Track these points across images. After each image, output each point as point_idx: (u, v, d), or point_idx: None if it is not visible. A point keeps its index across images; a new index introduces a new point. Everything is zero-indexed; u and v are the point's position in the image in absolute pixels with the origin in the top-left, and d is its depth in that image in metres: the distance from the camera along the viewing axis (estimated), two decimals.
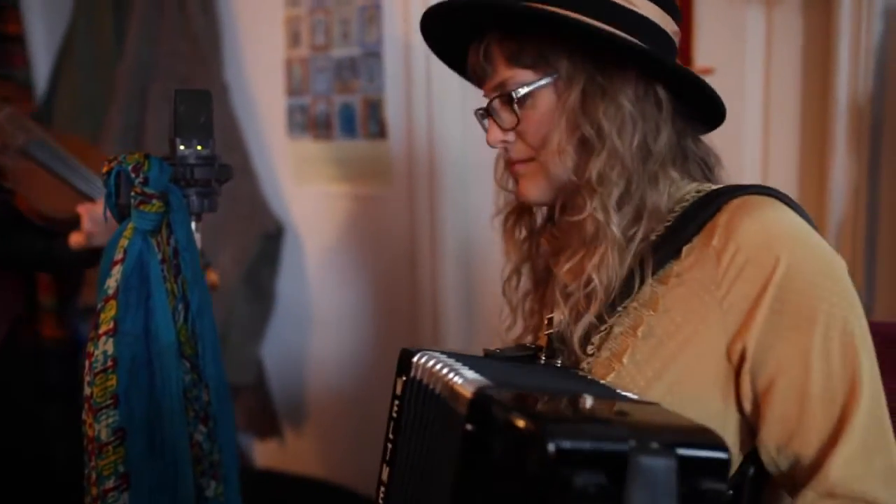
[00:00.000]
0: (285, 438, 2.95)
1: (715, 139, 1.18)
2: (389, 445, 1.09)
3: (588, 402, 0.81)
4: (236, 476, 1.29)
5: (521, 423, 0.76)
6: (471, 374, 0.93)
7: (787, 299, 0.98)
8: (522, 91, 1.07)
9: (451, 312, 2.61)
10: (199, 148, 1.31)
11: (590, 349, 1.07)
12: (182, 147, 1.29)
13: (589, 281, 1.05)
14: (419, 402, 1.02)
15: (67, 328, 2.94)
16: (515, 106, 1.08)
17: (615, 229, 1.04)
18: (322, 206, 2.81)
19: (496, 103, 1.10)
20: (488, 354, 1.13)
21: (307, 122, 2.81)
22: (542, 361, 1.11)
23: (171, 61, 2.79)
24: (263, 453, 3.01)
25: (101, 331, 1.19)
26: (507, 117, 1.10)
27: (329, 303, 2.85)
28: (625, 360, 1.03)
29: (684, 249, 1.03)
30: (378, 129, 2.65)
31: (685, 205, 1.07)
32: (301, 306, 2.89)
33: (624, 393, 0.92)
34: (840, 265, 1.02)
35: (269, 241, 2.81)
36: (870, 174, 1.93)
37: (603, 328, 1.06)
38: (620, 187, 1.05)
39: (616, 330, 1.05)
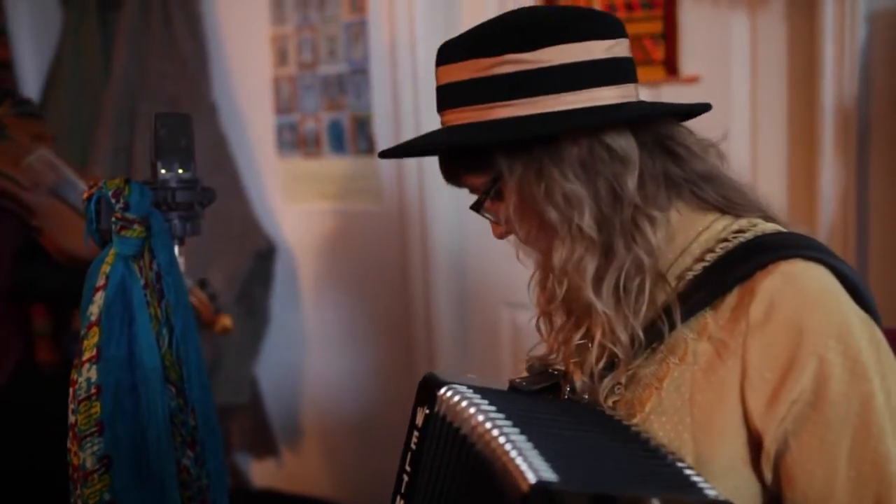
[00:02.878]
0: (282, 457, 2.94)
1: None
2: (406, 477, 1.04)
3: None
4: (226, 500, 1.28)
5: None
6: (521, 440, 0.89)
7: (820, 403, 0.95)
8: (483, 195, 1.07)
9: (445, 326, 2.60)
10: (180, 171, 1.30)
11: (615, 394, 1.04)
12: (163, 171, 1.29)
13: (603, 348, 1.02)
14: (446, 443, 0.98)
15: (62, 352, 2.93)
16: (487, 207, 1.09)
17: (604, 306, 1.00)
18: (313, 223, 2.81)
19: (475, 208, 1.11)
20: (514, 386, 1.09)
21: (296, 140, 2.81)
22: (568, 394, 1.08)
23: (159, 82, 2.79)
24: (260, 473, 3.00)
25: (84, 358, 1.18)
26: (489, 216, 1.11)
27: (322, 320, 2.84)
28: (647, 409, 1.01)
29: (720, 303, 0.99)
30: (367, 146, 2.65)
31: (722, 251, 1.01)
32: (294, 324, 2.88)
33: (696, 481, 0.88)
34: (883, 349, 0.98)
35: (261, 259, 2.80)
36: (858, 178, 1.93)
37: (629, 371, 1.02)
38: (594, 261, 1.01)
39: (641, 373, 1.02)
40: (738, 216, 1.05)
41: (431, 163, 2.51)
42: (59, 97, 2.97)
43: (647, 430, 0.99)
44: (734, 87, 2.13)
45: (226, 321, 2.37)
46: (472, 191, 1.10)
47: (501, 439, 0.89)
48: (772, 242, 1.00)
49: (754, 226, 1.03)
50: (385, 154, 1.12)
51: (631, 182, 1.00)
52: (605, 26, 1.02)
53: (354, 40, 2.63)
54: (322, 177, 2.75)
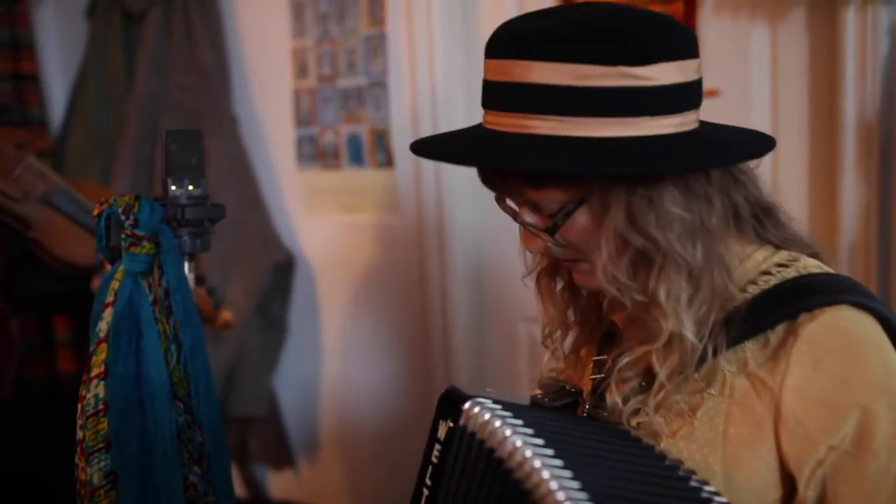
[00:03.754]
0: (300, 469, 2.94)
1: None
2: (426, 491, 1.02)
3: None
4: None
5: None
6: (549, 456, 0.88)
7: (861, 454, 0.93)
8: (554, 211, 0.97)
9: (462, 338, 2.59)
10: (191, 187, 1.30)
11: (639, 415, 1.01)
12: (174, 187, 1.29)
13: (653, 377, 0.98)
14: (470, 458, 0.97)
15: (83, 362, 2.96)
16: (549, 223, 0.99)
17: (690, 335, 0.95)
18: (332, 235, 2.81)
19: (525, 216, 1.01)
20: (535, 402, 1.06)
21: (316, 153, 2.82)
22: (587, 411, 1.06)
23: (181, 95, 2.82)
24: (278, 484, 3.00)
25: (92, 374, 1.18)
26: (560, 236, 1.00)
27: (340, 332, 2.84)
28: (679, 436, 0.98)
29: (762, 337, 0.97)
30: (385, 158, 2.65)
31: (767, 285, 0.99)
32: (313, 336, 2.89)
33: None
34: None
35: (279, 271, 2.81)
36: (881, 192, 1.90)
37: (661, 394, 0.98)
38: (688, 290, 0.95)
39: (672, 399, 0.98)
40: (777, 247, 1.03)
41: (449, 175, 2.52)
42: (83, 110, 3.01)
43: (679, 455, 0.97)
44: (754, 101, 2.10)
45: (226, 315, 2.37)
46: (528, 205, 1.00)
47: (528, 453, 0.88)
48: (819, 284, 0.98)
49: (796, 260, 1.01)
50: (427, 152, 1.02)
51: (718, 211, 0.97)
52: (695, 42, 0.97)
53: (373, 53, 2.64)
54: (341, 189, 2.76)
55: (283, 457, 2.91)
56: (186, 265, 1.31)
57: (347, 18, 2.68)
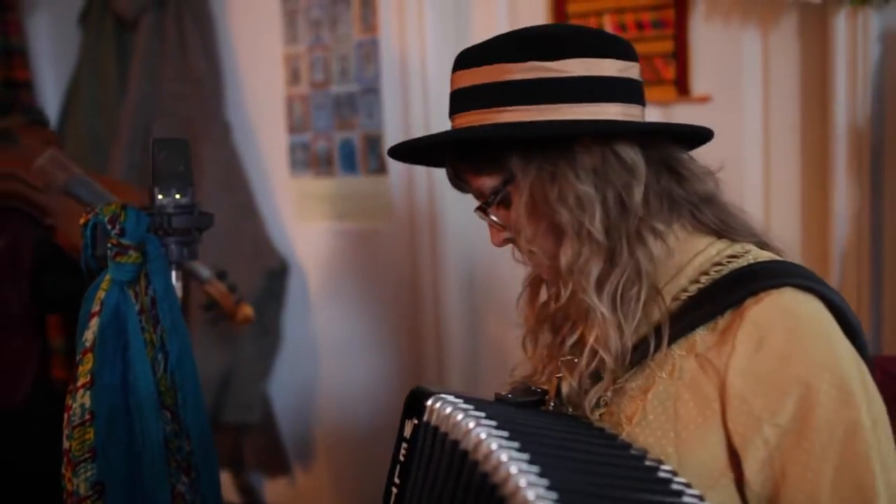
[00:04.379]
0: (295, 476, 2.94)
1: (713, 165, 1.14)
2: (394, 490, 1.06)
3: None
4: None
5: None
6: (512, 445, 0.90)
7: (805, 430, 0.95)
8: (491, 197, 1.09)
9: (455, 344, 2.59)
10: (178, 196, 1.31)
11: (600, 407, 1.06)
12: (160, 196, 1.30)
13: (594, 353, 1.04)
14: (436, 451, 1.00)
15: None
16: (492, 210, 1.10)
17: (603, 308, 1.02)
18: (325, 241, 2.81)
19: (482, 210, 1.12)
20: (499, 399, 1.11)
21: (309, 159, 2.82)
22: (552, 409, 1.10)
23: (174, 102, 2.82)
24: (273, 491, 3.00)
25: (78, 384, 1.18)
26: (495, 219, 1.12)
27: (335, 338, 2.84)
28: (633, 422, 1.02)
29: (710, 324, 1.01)
30: (378, 165, 2.65)
31: (718, 275, 1.03)
32: (307, 342, 2.88)
33: (689, 493, 0.90)
34: (867, 380, 0.99)
35: (273, 278, 2.81)
36: (872, 198, 1.89)
37: (616, 385, 1.04)
38: (598, 264, 1.03)
39: (628, 386, 1.04)
40: (733, 241, 1.08)
41: (442, 181, 2.52)
42: (76, 117, 3.01)
43: (635, 441, 1.00)
44: (746, 107, 2.10)
45: (247, 310, 2.37)
46: (478, 195, 1.12)
47: (493, 444, 0.90)
48: (764, 270, 1.03)
49: (748, 252, 1.06)
50: (397, 150, 1.14)
51: (637, 193, 1.04)
52: (622, 49, 1.08)
53: (366, 59, 2.64)
54: (334, 195, 2.76)
55: (277, 464, 2.90)
56: (174, 274, 1.31)
57: (339, 25, 2.69)
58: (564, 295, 1.05)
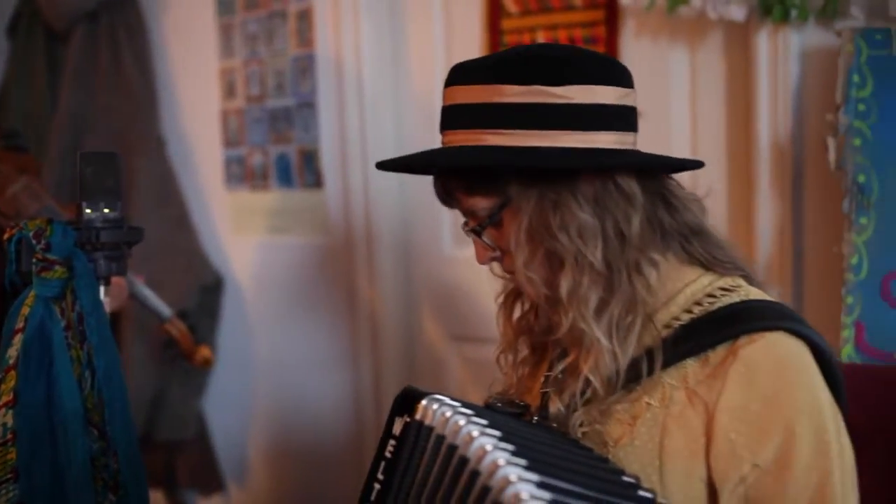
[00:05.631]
0: (230, 493, 2.90)
1: None
2: (377, 486, 1.06)
3: None
4: None
5: None
6: (506, 446, 0.91)
7: (782, 473, 0.99)
8: (486, 219, 1.09)
9: (392, 357, 2.59)
10: (106, 211, 1.29)
11: (585, 426, 1.07)
12: (88, 210, 1.28)
13: (587, 382, 1.04)
14: (426, 449, 1.00)
15: None
16: (485, 232, 1.10)
17: (601, 337, 1.03)
18: (261, 256, 2.79)
19: (470, 227, 1.13)
20: (489, 406, 1.12)
21: (244, 173, 2.80)
22: (535, 422, 1.11)
23: (106, 116, 2.78)
24: None
25: (0, 402, 1.16)
26: (487, 240, 1.12)
27: (271, 352, 2.82)
28: (619, 445, 1.04)
29: (703, 356, 1.03)
30: (314, 179, 2.65)
31: (711, 307, 1.06)
32: (243, 357, 2.86)
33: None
34: (842, 428, 1.03)
35: (208, 292, 2.78)
36: (794, 214, 1.95)
37: (603, 406, 1.05)
38: (598, 293, 1.04)
39: (615, 408, 1.05)
40: (721, 274, 1.10)
41: (378, 195, 2.53)
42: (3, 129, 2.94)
43: (618, 463, 1.02)
44: (674, 122, 2.15)
45: (206, 352, 2.35)
46: (468, 213, 1.12)
47: (487, 443, 0.91)
48: (759, 310, 1.05)
49: (739, 287, 1.09)
50: (390, 165, 1.13)
51: (635, 223, 1.05)
52: (622, 76, 1.08)
53: (302, 74, 2.64)
54: (270, 209, 2.75)
55: (212, 481, 2.86)
56: (102, 289, 1.29)
57: (276, 39, 2.68)
58: (566, 323, 1.04)
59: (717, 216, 2.06)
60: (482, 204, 1.08)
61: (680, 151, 2.14)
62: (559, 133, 1.03)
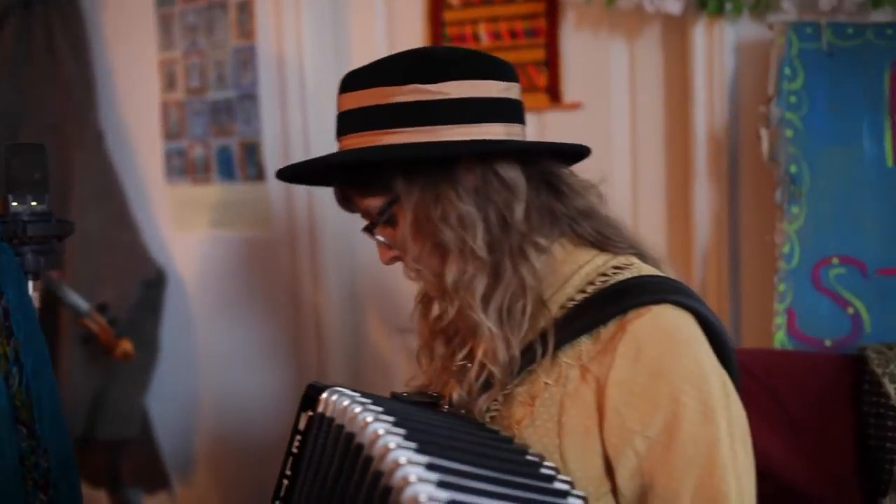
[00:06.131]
0: (175, 491, 2.87)
1: (585, 172, 1.19)
2: (285, 482, 1.09)
3: None
4: None
5: None
6: (400, 432, 0.92)
7: (671, 443, 1.01)
8: (376, 217, 1.12)
9: (337, 350, 2.59)
10: (33, 204, 1.27)
11: (491, 412, 1.09)
12: (15, 203, 1.26)
13: (483, 366, 1.07)
14: (328, 440, 1.02)
15: None
16: (379, 230, 1.14)
17: (491, 325, 1.06)
18: (204, 250, 2.76)
19: (368, 230, 1.15)
20: (395, 397, 1.14)
21: (185, 167, 2.77)
22: (446, 412, 1.12)
23: (42, 109, 2.72)
24: None
25: None
26: (381, 239, 1.15)
27: (214, 348, 2.79)
28: (522, 425, 1.06)
29: (596, 334, 1.05)
30: (256, 172, 2.62)
31: (603, 285, 1.08)
32: (187, 352, 2.83)
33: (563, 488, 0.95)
34: (731, 396, 1.05)
35: (149, 288, 2.74)
36: (730, 202, 1.99)
37: (505, 391, 1.08)
38: (483, 280, 1.07)
39: (516, 391, 1.07)
40: (615, 253, 1.13)
41: (321, 189, 2.51)
42: None
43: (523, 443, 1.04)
44: (614, 114, 2.18)
45: (126, 346, 2.31)
46: (365, 215, 1.14)
47: (380, 429, 0.92)
48: (647, 285, 1.08)
49: (631, 264, 1.11)
50: (284, 173, 1.17)
51: (518, 211, 1.07)
52: (502, 70, 1.12)
53: (243, 66, 2.61)
54: (212, 203, 2.72)
55: (156, 479, 2.82)
56: (31, 284, 1.27)
57: (216, 31, 2.65)
58: (451, 311, 1.08)
59: (656, 205, 2.12)
60: (374, 204, 1.11)
61: (619, 142, 2.17)
62: (444, 128, 1.07)
